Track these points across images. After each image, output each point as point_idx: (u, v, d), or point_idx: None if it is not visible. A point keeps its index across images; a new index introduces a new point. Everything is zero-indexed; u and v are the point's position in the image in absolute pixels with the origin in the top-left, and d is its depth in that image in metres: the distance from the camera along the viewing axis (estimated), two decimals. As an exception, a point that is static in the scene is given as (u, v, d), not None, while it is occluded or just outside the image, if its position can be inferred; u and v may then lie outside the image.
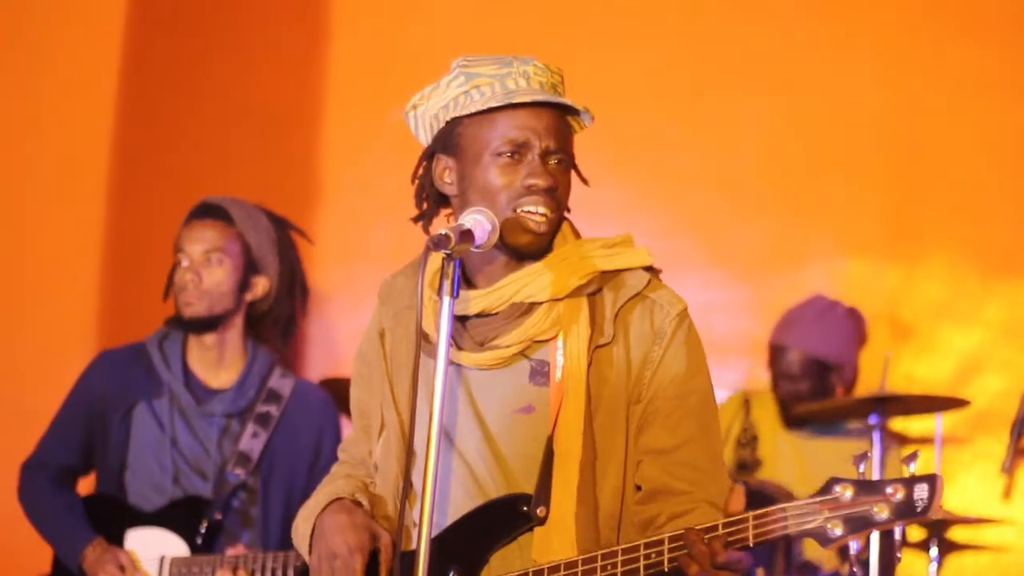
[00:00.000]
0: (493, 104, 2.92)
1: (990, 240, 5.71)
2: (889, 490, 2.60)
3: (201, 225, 4.66)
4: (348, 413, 3.34)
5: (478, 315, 2.96)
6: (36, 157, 6.16)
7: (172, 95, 6.24)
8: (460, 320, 2.96)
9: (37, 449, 4.70)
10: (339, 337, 5.96)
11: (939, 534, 5.08)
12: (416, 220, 3.08)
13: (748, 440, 5.35)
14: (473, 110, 2.94)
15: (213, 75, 6.25)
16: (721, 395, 5.57)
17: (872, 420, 5.06)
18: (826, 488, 2.65)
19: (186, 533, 4.53)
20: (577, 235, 3.04)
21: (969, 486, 5.56)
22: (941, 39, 5.83)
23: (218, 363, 4.69)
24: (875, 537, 4.57)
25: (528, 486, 2.90)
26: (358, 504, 3.02)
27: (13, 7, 6.22)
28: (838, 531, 2.62)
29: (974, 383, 5.60)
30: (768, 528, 2.67)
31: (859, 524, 2.61)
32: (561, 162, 2.96)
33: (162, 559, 4.51)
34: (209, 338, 4.66)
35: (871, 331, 5.60)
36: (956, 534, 5.30)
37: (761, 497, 4.49)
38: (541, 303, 2.94)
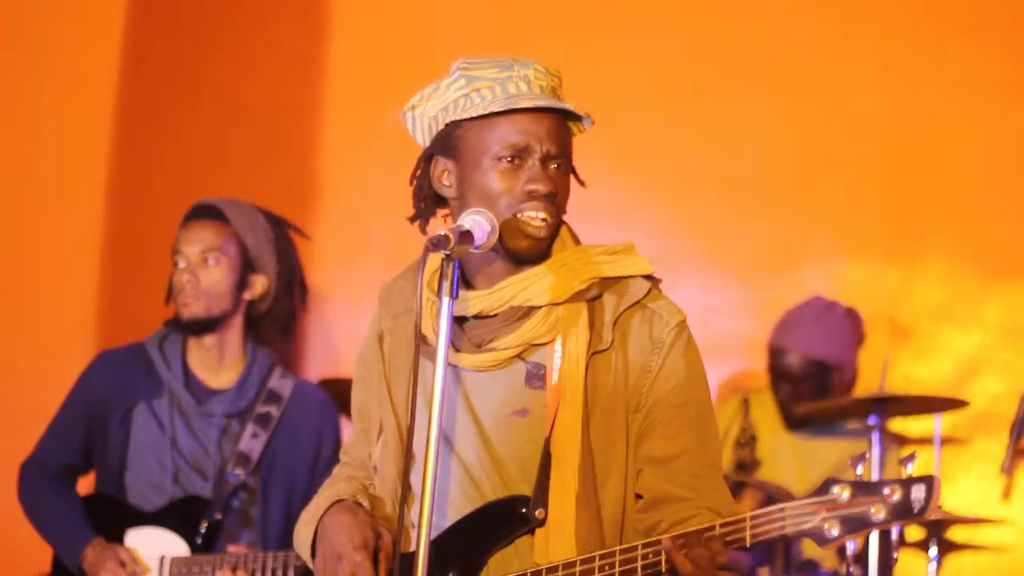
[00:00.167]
0: (494, 108, 2.92)
1: (989, 241, 5.71)
2: (886, 491, 2.60)
3: (197, 226, 4.66)
4: (348, 413, 3.35)
5: (476, 316, 2.96)
6: (36, 157, 6.16)
7: (172, 95, 6.24)
8: (458, 322, 2.96)
9: (37, 449, 4.70)
10: (338, 337, 5.96)
11: (938, 534, 5.08)
12: (413, 220, 3.08)
13: (747, 440, 5.35)
14: (474, 114, 2.94)
15: (213, 75, 6.24)
16: (720, 396, 5.58)
17: (871, 421, 5.06)
18: (823, 488, 2.65)
19: (186, 533, 4.53)
20: (576, 240, 3.04)
21: (968, 486, 5.57)
22: (941, 39, 5.83)
23: (218, 363, 4.69)
24: (874, 537, 4.58)
25: (525, 488, 2.91)
26: (360, 505, 3.02)
27: (13, 7, 6.22)
28: (835, 531, 2.62)
29: (973, 384, 5.60)
30: (765, 528, 2.68)
31: (856, 525, 2.62)
32: (561, 166, 2.96)
33: (162, 559, 4.51)
34: (209, 339, 4.66)
35: (870, 332, 5.60)
36: (955, 534, 5.29)
37: (765, 497, 4.51)
38: (540, 307, 2.94)
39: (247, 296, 4.69)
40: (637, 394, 2.93)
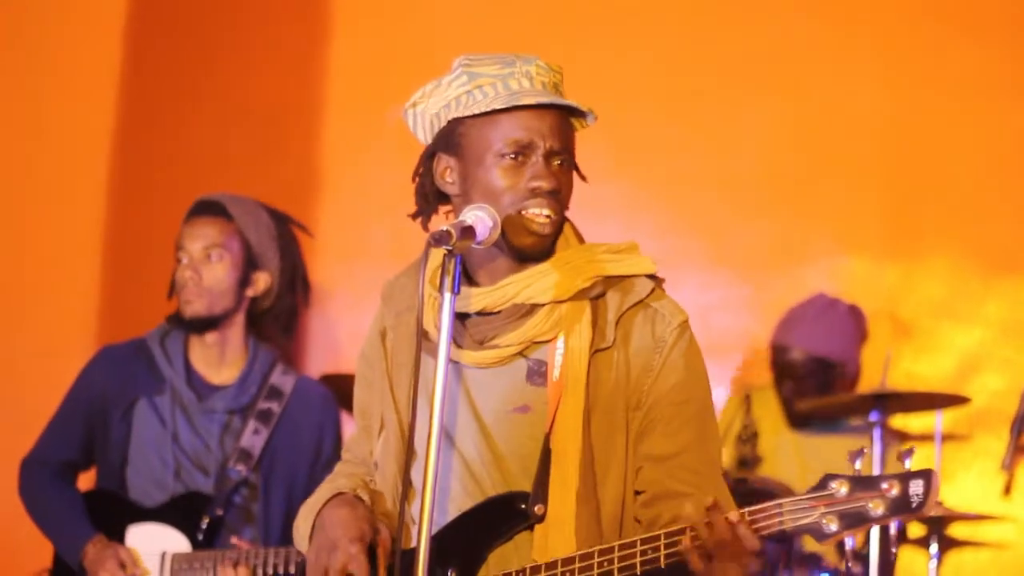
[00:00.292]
0: (497, 105, 2.92)
1: (990, 239, 5.72)
2: (884, 486, 2.60)
3: (200, 222, 4.65)
4: (349, 410, 3.35)
5: (479, 313, 2.96)
6: (36, 157, 6.16)
7: (172, 95, 6.24)
8: (460, 318, 2.96)
9: (37, 445, 4.69)
10: (340, 334, 5.96)
11: (939, 531, 5.08)
12: (414, 217, 3.08)
13: (748, 437, 5.35)
14: (477, 111, 2.93)
15: (213, 75, 6.25)
16: (722, 393, 5.58)
17: (873, 417, 5.07)
18: (822, 484, 2.65)
19: (187, 529, 4.53)
20: (580, 238, 3.04)
21: (969, 483, 5.57)
22: (941, 39, 5.83)
23: (220, 360, 4.69)
24: (875, 535, 4.58)
25: (525, 484, 2.91)
26: (359, 500, 3.02)
27: (13, 7, 6.23)
28: (833, 527, 2.62)
29: (974, 381, 5.61)
30: (764, 524, 2.67)
31: (855, 520, 2.61)
32: (564, 163, 2.96)
33: (163, 555, 4.51)
34: (210, 336, 4.66)
35: (872, 329, 5.61)
36: (956, 531, 5.30)
37: (762, 494, 4.50)
38: (543, 304, 2.94)
39: (250, 293, 4.69)
40: (638, 392, 2.93)
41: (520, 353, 2.94)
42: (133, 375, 4.64)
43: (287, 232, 4.78)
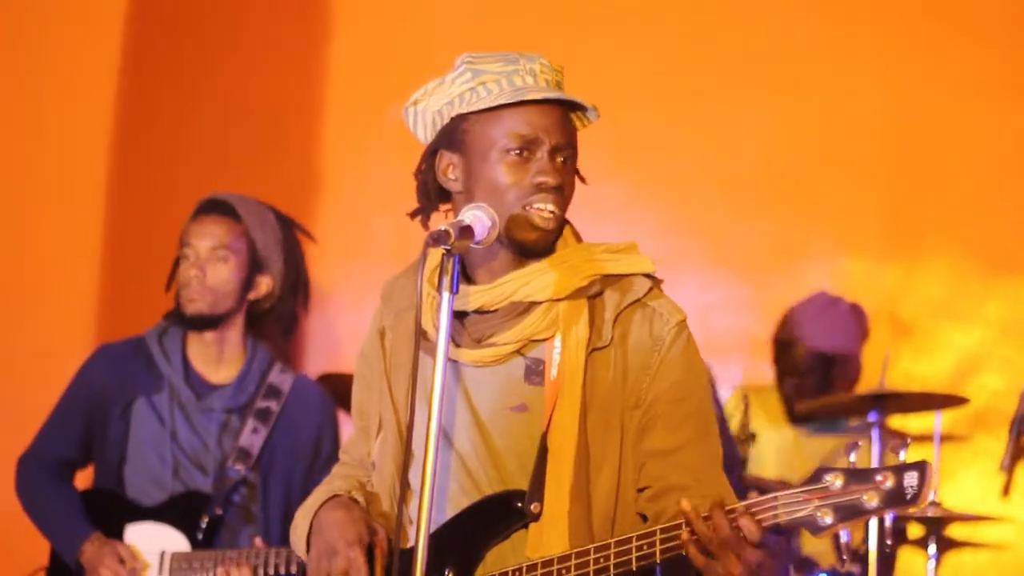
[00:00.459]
0: (503, 100, 2.92)
1: (990, 239, 5.72)
2: (879, 478, 2.59)
3: (209, 221, 4.64)
4: (347, 409, 3.34)
5: (476, 311, 2.96)
6: (36, 157, 6.16)
7: (172, 95, 6.24)
8: (458, 317, 2.96)
9: (35, 442, 4.69)
10: (339, 333, 5.97)
11: (937, 531, 5.07)
12: (415, 215, 3.08)
13: (746, 437, 5.35)
14: (482, 107, 2.94)
15: (213, 75, 6.25)
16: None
17: (871, 417, 5.07)
18: (816, 477, 2.64)
19: (187, 528, 4.52)
20: (578, 237, 3.04)
21: (968, 484, 5.57)
22: (941, 39, 5.84)
23: (218, 359, 4.68)
24: (873, 535, 4.58)
25: (522, 483, 2.90)
26: (355, 501, 3.02)
27: (13, 7, 6.23)
28: (828, 519, 2.61)
29: (973, 381, 5.61)
30: (759, 518, 2.66)
31: (849, 512, 2.60)
32: (568, 159, 2.96)
33: (162, 554, 4.51)
34: (209, 334, 4.65)
35: (871, 329, 5.61)
36: (954, 531, 5.29)
37: (760, 493, 4.50)
38: (540, 303, 2.94)
39: (251, 296, 4.68)
40: (636, 391, 2.93)
41: (518, 351, 2.94)
42: (131, 373, 4.64)
43: (292, 236, 4.77)
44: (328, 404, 4.76)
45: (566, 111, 2.98)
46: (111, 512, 4.55)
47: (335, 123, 6.14)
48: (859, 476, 2.61)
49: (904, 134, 5.86)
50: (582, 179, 3.02)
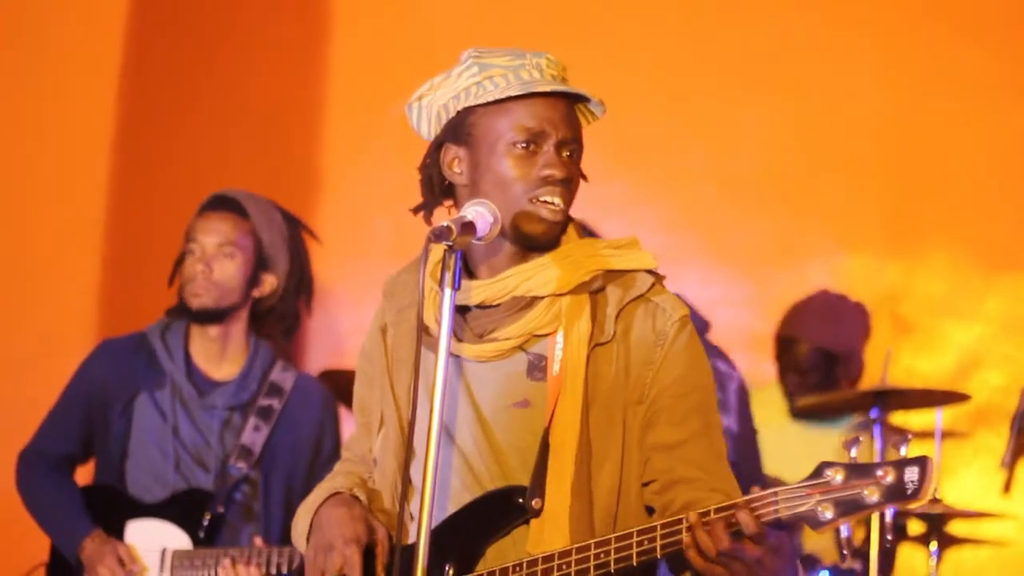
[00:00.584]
0: (511, 93, 2.91)
1: (990, 236, 5.73)
2: (879, 473, 2.58)
3: (216, 217, 4.65)
4: (349, 406, 3.34)
5: (479, 306, 2.96)
6: (36, 157, 6.17)
7: (172, 95, 6.25)
8: (460, 312, 2.96)
9: (35, 437, 4.69)
10: (340, 330, 5.97)
11: (939, 528, 5.07)
12: (417, 210, 3.08)
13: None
14: (490, 99, 2.93)
15: (213, 74, 6.25)
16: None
17: (873, 414, 5.07)
18: (817, 472, 2.64)
19: (188, 526, 4.52)
20: (580, 233, 3.04)
21: (969, 480, 5.58)
22: (941, 39, 5.84)
23: (220, 355, 4.68)
24: (875, 532, 4.58)
25: (524, 478, 2.90)
26: (356, 499, 3.02)
27: (13, 7, 6.23)
28: (829, 514, 2.61)
29: (974, 378, 5.62)
30: (760, 513, 2.66)
31: (850, 507, 2.60)
32: (574, 153, 2.96)
33: (164, 551, 4.51)
34: (213, 330, 4.66)
35: (872, 326, 5.61)
36: (956, 528, 5.28)
37: (761, 489, 4.50)
38: (543, 298, 2.94)
39: (256, 293, 4.68)
40: (639, 387, 2.93)
41: (520, 347, 2.94)
42: (133, 369, 4.64)
43: (298, 236, 4.77)
44: (330, 402, 4.76)
45: (572, 106, 2.98)
46: (112, 508, 4.55)
47: (336, 122, 6.15)
48: (860, 471, 2.60)
49: (904, 133, 5.87)
50: (584, 177, 3.02)
